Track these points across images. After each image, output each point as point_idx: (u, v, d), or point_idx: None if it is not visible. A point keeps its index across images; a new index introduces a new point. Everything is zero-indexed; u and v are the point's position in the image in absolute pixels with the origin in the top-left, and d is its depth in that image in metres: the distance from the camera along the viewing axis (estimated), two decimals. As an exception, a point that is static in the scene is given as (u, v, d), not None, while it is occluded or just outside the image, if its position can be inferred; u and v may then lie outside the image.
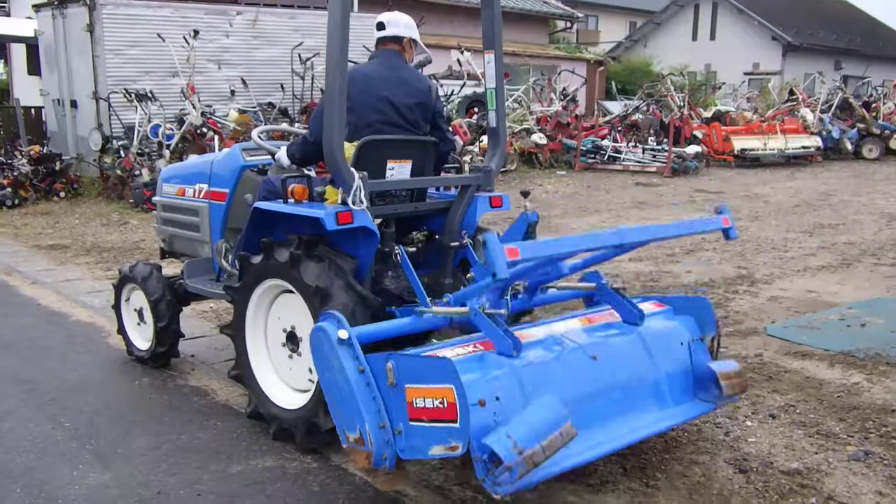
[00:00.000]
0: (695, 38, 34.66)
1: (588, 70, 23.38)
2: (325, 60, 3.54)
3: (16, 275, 7.24)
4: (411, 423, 2.79)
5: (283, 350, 3.83)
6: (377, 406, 2.86)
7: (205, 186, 4.55)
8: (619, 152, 16.32)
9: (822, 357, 4.92)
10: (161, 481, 3.40)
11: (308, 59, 13.36)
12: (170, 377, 4.65)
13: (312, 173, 3.93)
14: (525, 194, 3.68)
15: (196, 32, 12.06)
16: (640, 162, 16.01)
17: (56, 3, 12.73)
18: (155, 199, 5.12)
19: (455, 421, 2.66)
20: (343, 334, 2.92)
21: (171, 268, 5.55)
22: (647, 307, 3.67)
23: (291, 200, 3.66)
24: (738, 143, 17.09)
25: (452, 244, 4.02)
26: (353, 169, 3.54)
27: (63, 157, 12.11)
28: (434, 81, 15.50)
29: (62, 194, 11.60)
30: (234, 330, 3.95)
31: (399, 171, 3.88)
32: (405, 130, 3.99)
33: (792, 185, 14.19)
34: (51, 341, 5.33)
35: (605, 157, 16.29)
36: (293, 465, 3.55)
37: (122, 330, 4.93)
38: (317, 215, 3.50)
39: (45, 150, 12.13)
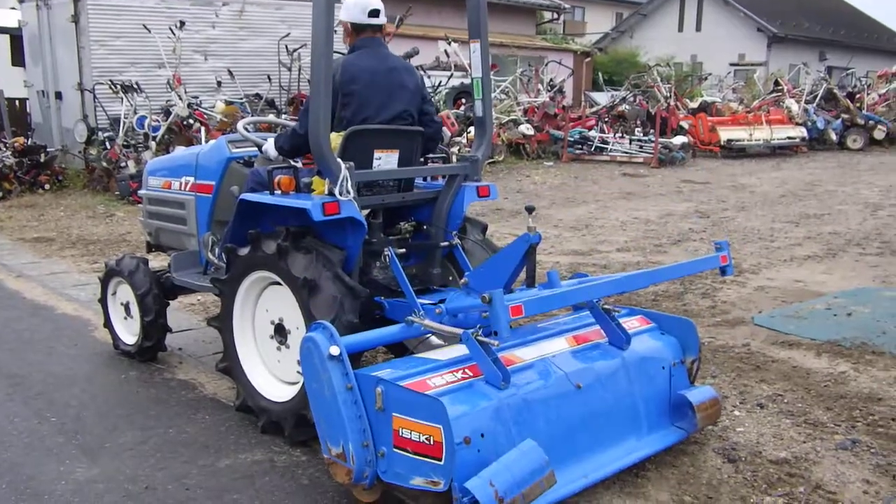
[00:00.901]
0: (681, 29, 34.73)
1: (575, 61, 23.39)
2: (309, 51, 3.49)
3: (0, 268, 7.17)
4: (395, 450, 2.80)
5: (272, 342, 3.81)
6: (362, 425, 2.87)
7: (191, 179, 4.51)
8: (607, 143, 16.35)
9: (809, 346, 4.95)
10: (149, 476, 3.38)
11: (295, 50, 13.27)
12: (157, 370, 4.62)
13: (299, 164, 3.90)
14: (530, 210, 3.63)
15: (182, 23, 11.95)
16: (627, 153, 16.05)
17: (40, -7, 12.59)
18: (141, 192, 5.06)
19: (440, 459, 2.68)
20: (335, 350, 2.91)
21: (157, 261, 5.52)
22: (633, 324, 3.69)
23: (278, 192, 3.64)
24: (725, 134, 17.16)
25: (441, 244, 4.01)
26: (339, 159, 3.52)
27: (48, 149, 11.98)
28: (420, 71, 15.47)
29: (47, 186, 11.49)
30: (222, 323, 3.93)
31: (386, 160, 3.86)
32: (403, 121, 3.98)
33: (777, 176, 14.26)
34: (36, 335, 5.29)
35: (593, 148, 16.31)
36: (282, 458, 3.54)
37: (108, 324, 4.89)
38: (303, 206, 3.47)
39: (29, 142, 11.99)
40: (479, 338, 2.94)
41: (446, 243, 4.00)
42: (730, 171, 14.81)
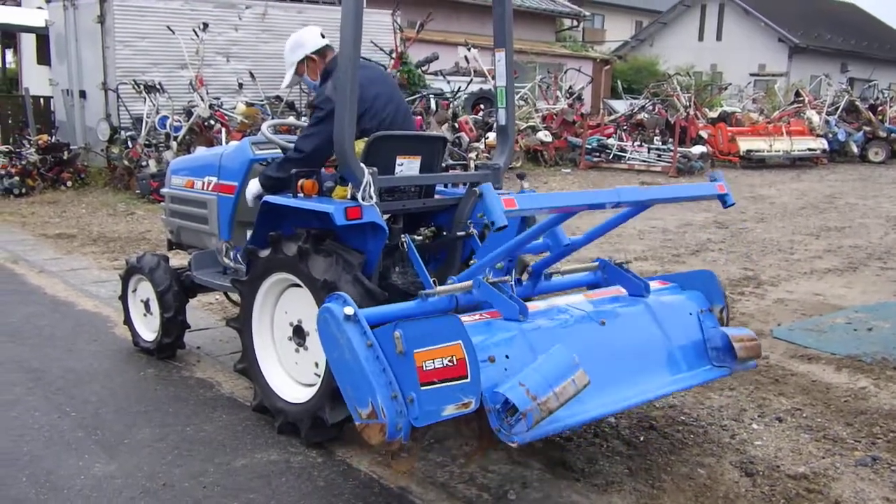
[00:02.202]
0: (701, 38, 34.61)
1: (594, 69, 23.37)
2: (338, 58, 3.55)
3: (23, 263, 7.25)
4: (422, 388, 2.79)
5: (290, 344, 3.83)
6: (387, 378, 2.86)
7: (214, 179, 4.55)
8: (625, 151, 16.31)
9: (829, 361, 4.92)
10: (166, 473, 3.41)
11: (315, 53, 13.34)
12: (175, 368, 4.66)
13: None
14: (521, 177, 3.70)
15: (205, 25, 12.06)
16: (645, 161, 16.00)
17: (67, -7, 12.74)
18: (163, 190, 5.11)
19: (466, 377, 2.67)
20: (349, 311, 2.95)
21: (178, 259, 5.56)
22: (652, 285, 3.72)
23: (301, 195, 3.68)
24: (744, 144, 17.07)
25: (459, 234, 4.06)
26: (363, 164, 3.56)
27: (71, 147, 12.11)
28: (439, 76, 15.50)
29: (69, 184, 11.60)
30: (241, 323, 3.95)
31: (408, 166, 3.91)
32: (401, 127, 4.09)
33: (797, 187, 14.17)
34: (57, 330, 5.34)
35: (611, 156, 16.28)
36: (298, 459, 3.55)
37: (128, 321, 4.94)
38: (327, 210, 3.51)
39: (53, 140, 12.12)
40: (490, 279, 3.00)
41: (462, 233, 4.05)
42: (749, 182, 14.73)
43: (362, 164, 3.55)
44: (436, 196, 4.19)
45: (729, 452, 3.66)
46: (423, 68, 15.03)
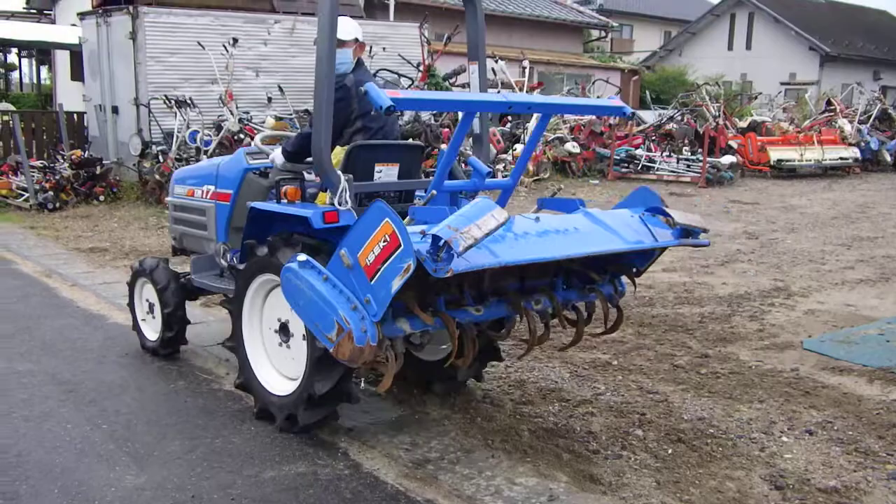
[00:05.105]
0: (731, 47, 34.31)
1: (622, 79, 23.28)
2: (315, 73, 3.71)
3: (56, 277, 7.39)
4: (372, 282, 3.15)
5: (276, 339, 4.04)
6: (345, 295, 3.23)
7: (212, 188, 4.82)
8: (653, 161, 16.20)
9: (861, 373, 4.84)
10: (196, 485, 3.44)
11: (343, 66, 13.47)
12: (204, 381, 4.72)
13: (309, 175, 4.17)
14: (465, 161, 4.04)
15: (235, 40, 12.23)
16: (674, 172, 15.88)
17: (101, 11, 12.99)
18: (167, 199, 5.42)
19: (400, 245, 3.03)
20: (302, 257, 3.38)
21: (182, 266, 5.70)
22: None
23: (285, 201, 3.91)
24: (775, 154, 16.87)
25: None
26: (339, 171, 3.76)
27: (103, 162, 12.32)
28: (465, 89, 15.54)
29: (102, 198, 11.80)
30: (234, 307, 4.18)
31: (387, 173, 4.15)
32: (390, 137, 4.39)
33: (829, 197, 13.97)
34: (89, 343, 5.43)
35: (639, 167, 16.18)
36: (325, 471, 3.57)
37: (136, 326, 5.23)
38: (305, 214, 3.71)
39: (86, 155, 12.35)
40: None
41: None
42: (779, 192, 14.55)
43: (339, 172, 3.75)
44: (415, 201, 4.37)
45: (758, 465, 3.62)
46: (451, 80, 15.09)
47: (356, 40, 4.35)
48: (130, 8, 12.28)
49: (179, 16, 12.55)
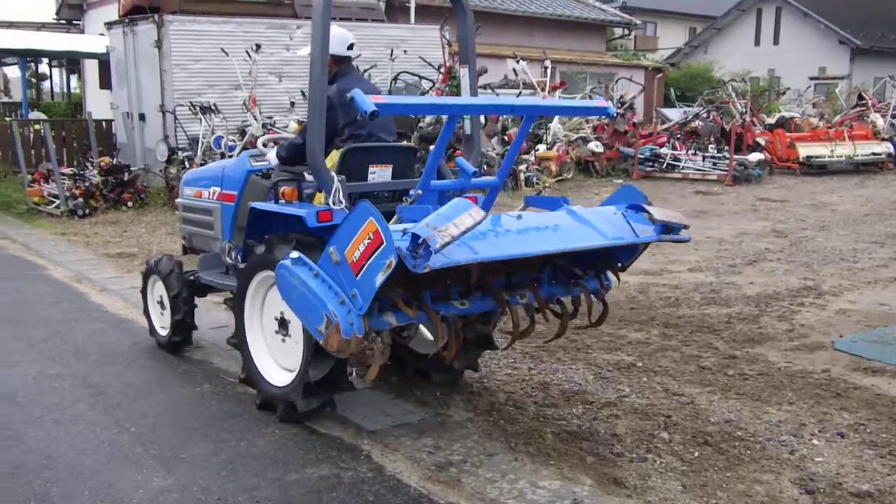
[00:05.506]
0: (757, 43, 33.87)
1: (646, 77, 23.06)
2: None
3: (86, 282, 7.49)
4: (357, 277, 3.29)
5: (276, 334, 4.21)
6: (333, 290, 3.38)
7: (217, 189, 4.99)
8: (678, 160, 16.04)
9: (894, 373, 4.73)
10: (220, 487, 3.47)
11: (366, 70, 13.51)
12: (230, 384, 4.75)
13: (307, 176, 4.30)
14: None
15: (258, 46, 12.32)
16: (700, 170, 15.70)
17: (127, 20, 13.18)
18: (177, 201, 5.64)
19: (383, 242, 3.17)
20: (295, 254, 3.53)
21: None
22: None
23: (282, 201, 4.10)
24: (804, 150, 16.62)
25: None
26: (332, 173, 3.93)
27: (131, 168, 12.48)
28: (488, 90, 15.52)
29: (130, 204, 11.94)
30: (236, 303, 4.38)
31: (380, 174, 4.33)
32: (384, 138, 4.55)
33: (861, 194, 13.73)
34: (118, 347, 5.50)
35: (664, 165, 16.04)
36: (349, 474, 3.58)
37: (146, 312, 5.48)
38: (300, 213, 3.88)
39: (114, 162, 12.52)
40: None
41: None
42: (809, 189, 14.34)
43: (332, 173, 3.91)
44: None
45: (788, 469, 3.55)
46: (473, 82, 15.06)
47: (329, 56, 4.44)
48: (155, 17, 12.45)
49: (203, 23, 12.68)
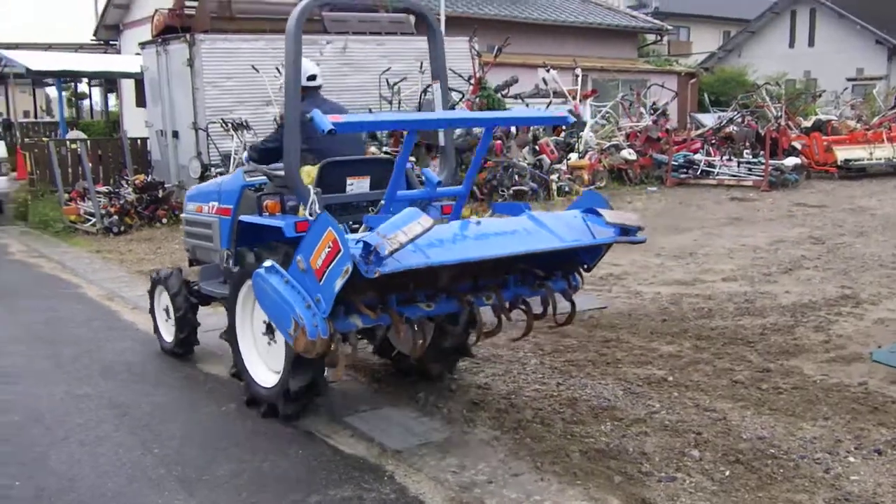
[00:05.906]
0: (792, 45, 33.34)
1: (679, 83, 22.81)
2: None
3: (118, 300, 7.59)
4: (320, 283, 3.51)
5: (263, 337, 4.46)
6: (301, 296, 3.64)
7: (216, 203, 5.24)
8: (713, 166, 15.79)
9: (936, 386, 4.57)
10: (242, 509, 3.45)
11: (395, 83, 13.56)
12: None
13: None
14: (430, 148, 4.46)
15: (287, 62, 12.43)
16: (735, 176, 15.44)
17: (160, 40, 13.42)
18: (181, 216, 5.96)
19: (340, 251, 3.39)
20: (268, 263, 3.83)
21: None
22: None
23: (266, 213, 4.33)
24: (842, 154, 16.25)
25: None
26: (308, 186, 4.16)
27: (165, 185, 12.68)
28: (518, 100, 15.48)
29: (164, 220, 12.11)
30: (228, 307, 4.63)
31: (358, 186, 4.55)
32: (351, 152, 4.79)
33: (902, 197, 13.37)
34: (146, 366, 5.55)
35: (699, 172, 15.80)
36: (371, 495, 3.54)
37: (156, 330, 5.77)
38: (279, 225, 4.13)
39: (149, 179, 12.73)
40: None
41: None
42: (847, 193, 14.00)
43: (309, 186, 4.14)
44: None
45: (822, 488, 3.43)
46: (503, 92, 15.03)
47: None
48: (187, 36, 12.65)
49: (234, 41, 12.85)
